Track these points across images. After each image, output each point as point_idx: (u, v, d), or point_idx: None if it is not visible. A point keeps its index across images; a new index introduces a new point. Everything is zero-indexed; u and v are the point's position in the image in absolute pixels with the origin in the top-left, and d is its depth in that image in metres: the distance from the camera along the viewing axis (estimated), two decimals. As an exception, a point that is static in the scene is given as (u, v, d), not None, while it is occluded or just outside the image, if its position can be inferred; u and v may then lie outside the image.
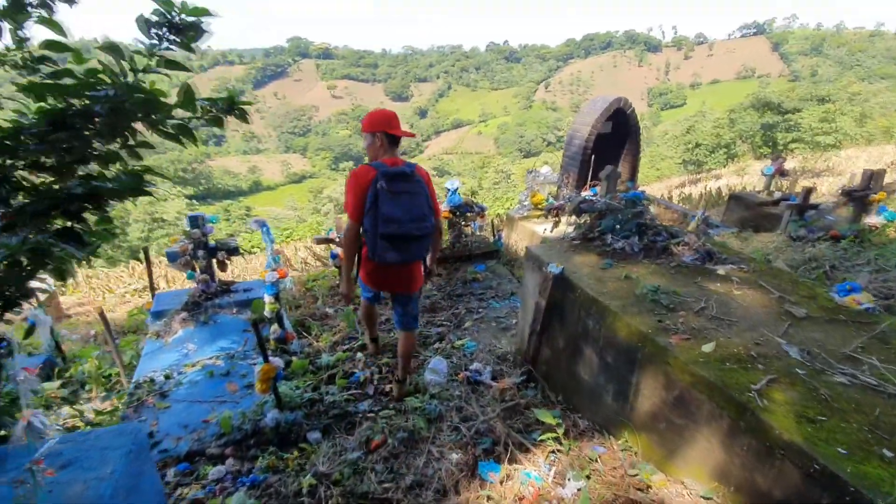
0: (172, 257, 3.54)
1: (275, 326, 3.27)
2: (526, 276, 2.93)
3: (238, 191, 74.99)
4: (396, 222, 2.30)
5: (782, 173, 6.83)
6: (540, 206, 5.91)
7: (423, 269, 2.73)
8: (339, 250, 4.41)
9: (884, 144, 23.40)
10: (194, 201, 57.22)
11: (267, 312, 3.19)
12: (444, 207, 4.50)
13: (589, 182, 6.35)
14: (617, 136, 6.72)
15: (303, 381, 3.00)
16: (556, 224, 4.82)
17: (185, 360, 3.22)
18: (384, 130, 2.45)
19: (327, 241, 4.50)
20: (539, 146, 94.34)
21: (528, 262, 2.89)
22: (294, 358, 3.28)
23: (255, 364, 3.20)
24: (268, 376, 2.45)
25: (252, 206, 60.16)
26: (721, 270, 2.59)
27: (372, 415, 2.69)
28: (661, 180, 37.17)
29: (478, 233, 5.01)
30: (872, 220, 4.27)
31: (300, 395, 2.76)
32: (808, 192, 4.39)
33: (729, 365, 1.81)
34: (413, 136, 2.84)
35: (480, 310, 3.87)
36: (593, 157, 6.40)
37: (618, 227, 2.82)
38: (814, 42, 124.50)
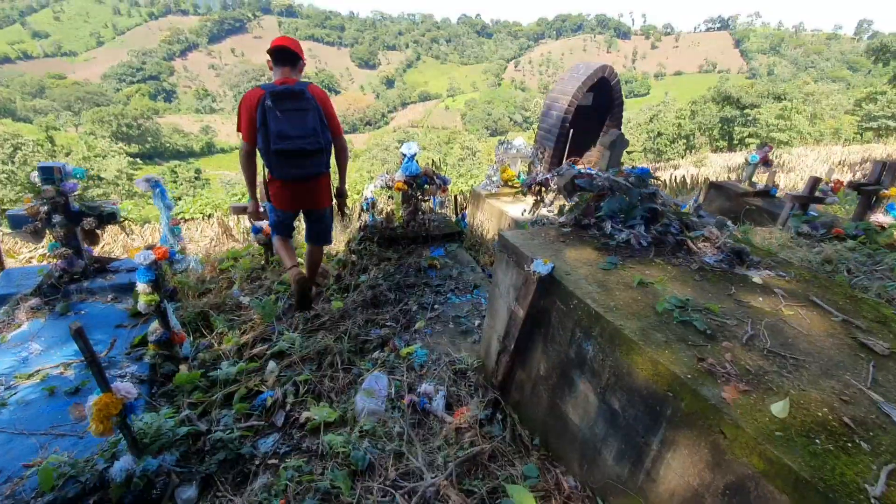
0: (16, 222, 2.57)
1: (154, 325, 2.40)
2: (497, 273, 2.19)
3: (189, 151, 70.37)
4: (287, 139, 2.37)
5: (766, 163, 6.39)
6: (511, 183, 5.19)
7: (329, 187, 2.80)
8: (263, 224, 3.52)
9: (832, 145, 24.31)
10: (138, 160, 53.11)
11: (141, 306, 2.30)
12: (397, 177, 3.69)
13: (565, 158, 5.67)
14: (598, 109, 6.01)
15: (186, 403, 2.17)
16: (537, 204, 4.12)
17: (21, 368, 2.30)
18: (270, 50, 2.51)
19: (245, 210, 3.60)
20: (506, 125, 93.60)
21: (501, 254, 2.14)
22: (182, 367, 2.43)
23: (121, 376, 2.33)
24: (105, 415, 1.61)
25: (203, 169, 56.48)
26: (757, 278, 1.93)
27: (275, 461, 1.91)
28: (622, 166, 37.58)
29: (438, 210, 4.23)
30: (880, 218, 3.80)
31: (173, 428, 1.93)
32: (815, 182, 3.88)
33: (819, 442, 1.14)
34: (292, 50, 2.51)
35: (436, 306, 3.12)
36: (571, 131, 5.71)
37: (621, 212, 2.11)
38: (773, 41, 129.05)
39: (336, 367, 2.45)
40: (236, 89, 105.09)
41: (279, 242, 2.93)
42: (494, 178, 5.16)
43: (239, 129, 2.48)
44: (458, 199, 4.83)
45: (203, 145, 73.00)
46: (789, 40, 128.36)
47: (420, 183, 3.73)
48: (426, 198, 3.95)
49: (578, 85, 5.57)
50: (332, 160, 2.76)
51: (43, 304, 2.66)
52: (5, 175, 28.42)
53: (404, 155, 3.63)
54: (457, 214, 4.38)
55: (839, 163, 16.86)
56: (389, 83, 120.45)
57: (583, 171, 2.26)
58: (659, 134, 33.67)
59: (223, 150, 74.95)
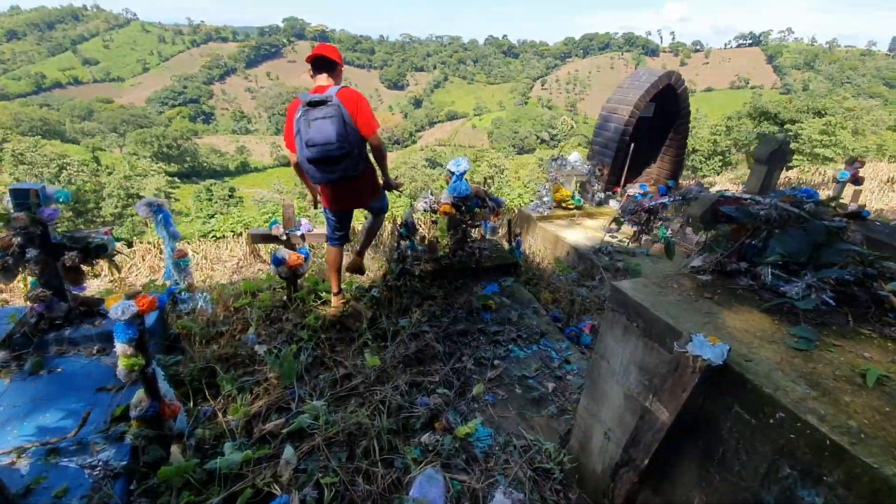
0: (-17, 257, 2.06)
1: (139, 395, 1.83)
2: (606, 340, 1.53)
3: (224, 171, 72.33)
4: (314, 146, 2.45)
5: (856, 181, 5.53)
6: (566, 204, 4.54)
7: (373, 184, 2.86)
8: (284, 253, 2.96)
9: (876, 161, 22.82)
10: (177, 179, 54.73)
11: (121, 372, 1.74)
12: (443, 198, 3.09)
13: (625, 175, 4.97)
14: (660, 120, 5.32)
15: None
16: (640, 235, 3.63)
17: (-35, 452, 1.75)
18: (309, 59, 2.61)
19: (269, 238, 3.06)
20: (532, 143, 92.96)
21: (614, 315, 1.48)
22: (174, 449, 1.84)
23: (91, 466, 1.75)
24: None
25: (237, 187, 57.84)
26: None
27: None
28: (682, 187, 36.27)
29: (489, 237, 3.61)
30: None
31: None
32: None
33: None
34: (326, 57, 2.59)
35: (496, 361, 2.47)
36: (633, 145, 5.03)
37: (799, 255, 1.42)
38: (807, 57, 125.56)
39: (373, 457, 1.82)
40: (271, 111, 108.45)
41: (330, 257, 3.02)
42: (546, 199, 4.53)
43: (284, 140, 2.69)
44: (512, 224, 4.19)
45: (238, 164, 74.96)
46: (823, 56, 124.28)
47: (470, 206, 3.12)
48: (477, 223, 3.34)
49: (641, 94, 4.89)
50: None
51: (11, 359, 2.14)
52: (50, 194, 29.65)
53: (451, 173, 3.04)
54: (510, 241, 3.76)
55: (888, 180, 15.55)
56: (417, 103, 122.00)
57: (730, 194, 1.59)
58: (694, 150, 32.49)
59: (256, 169, 76.78)
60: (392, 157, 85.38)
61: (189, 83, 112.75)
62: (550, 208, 4.57)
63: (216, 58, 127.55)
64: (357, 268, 3.21)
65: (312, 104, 2.44)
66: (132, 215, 31.78)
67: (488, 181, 44.94)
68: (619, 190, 5.13)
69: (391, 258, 3.44)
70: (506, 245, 3.75)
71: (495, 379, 2.34)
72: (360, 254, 3.21)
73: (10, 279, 2.14)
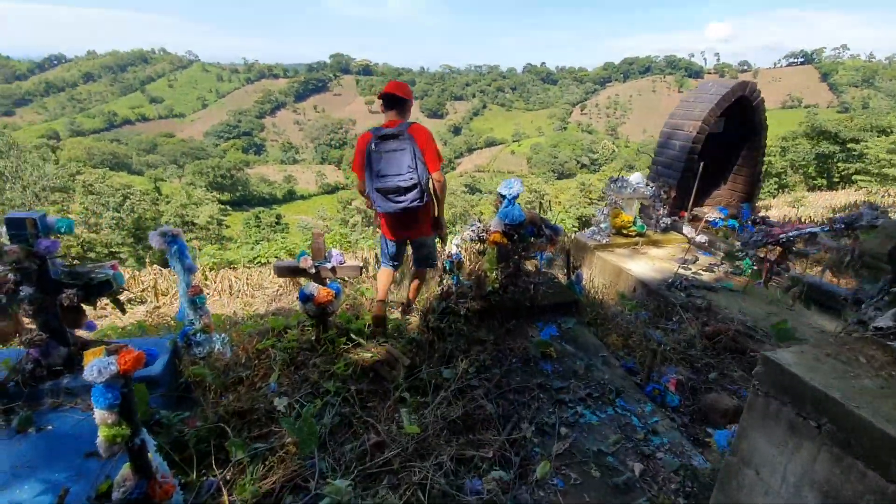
0: (-27, 296, 1.81)
1: (124, 472, 1.48)
2: (754, 440, 1.04)
3: (272, 199, 75.36)
4: (384, 177, 2.63)
5: None
6: (626, 231, 4.03)
7: (431, 219, 2.99)
8: (313, 288, 2.61)
9: None
10: (228, 207, 57.40)
11: (100, 444, 1.40)
12: (493, 226, 2.68)
13: (693, 198, 4.40)
14: (732, 136, 4.73)
15: None
16: (768, 273, 3.13)
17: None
18: (380, 96, 2.80)
19: (296, 272, 2.73)
20: (573, 168, 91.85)
21: (767, 402, 0.99)
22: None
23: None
24: None
25: (284, 214, 59.91)
26: None
27: None
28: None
29: (544, 269, 3.14)
30: None
31: None
32: None
33: None
34: (397, 95, 2.76)
35: (563, 429, 1.98)
36: (701, 165, 4.47)
37: None
38: (865, 73, 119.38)
39: (410, 571, 1.37)
40: (317, 141, 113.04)
41: (382, 276, 3.18)
42: (604, 225, 4.04)
43: (353, 168, 2.88)
44: (571, 253, 3.66)
45: (285, 192, 77.94)
46: (883, 72, 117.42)
47: (524, 234, 2.69)
48: (531, 254, 2.89)
49: (710, 107, 4.32)
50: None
51: (0, 412, 1.86)
52: (115, 221, 31.44)
53: (502, 196, 2.63)
54: (569, 275, 3.28)
55: (764, 175, 14.12)
56: (456, 130, 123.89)
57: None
58: (750, 172, 30.71)
59: (302, 197, 79.54)
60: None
61: (243, 117, 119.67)
62: (609, 235, 4.04)
63: (268, 93, 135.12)
64: (410, 305, 3.34)
65: (384, 137, 2.63)
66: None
67: (529, 206, 44.33)
68: (685, 215, 4.53)
69: (433, 295, 3.03)
70: (563, 279, 3.27)
71: (564, 454, 1.85)
72: (405, 310, 3.33)
73: (3, 319, 1.88)
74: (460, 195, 51.29)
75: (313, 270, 2.72)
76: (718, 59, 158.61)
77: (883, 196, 14.74)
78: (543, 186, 48.48)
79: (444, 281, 2.98)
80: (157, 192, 48.82)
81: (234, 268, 8.93)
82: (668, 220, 4.29)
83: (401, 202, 2.65)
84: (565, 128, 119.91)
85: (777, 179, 30.66)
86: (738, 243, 3.36)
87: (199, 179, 62.72)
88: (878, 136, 26.73)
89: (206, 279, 6.71)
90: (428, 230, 2.99)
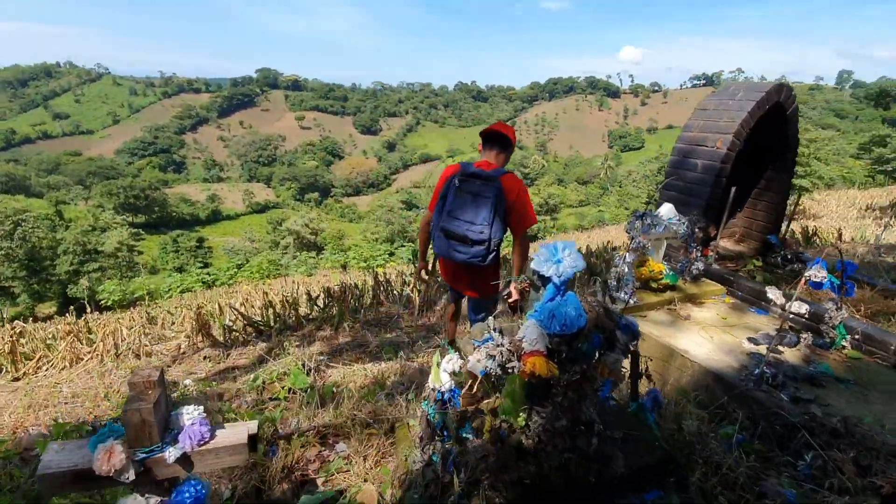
0: None
1: None
2: None
3: (194, 220, 70.72)
4: (455, 219, 2.36)
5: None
6: (657, 285, 3.10)
7: (493, 280, 2.59)
8: None
9: (846, 188, 23.66)
10: (142, 231, 52.98)
11: None
12: (529, 340, 1.40)
13: (720, 233, 3.64)
14: (752, 153, 3.79)
15: None
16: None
17: None
18: (482, 133, 2.57)
19: (79, 479, 1.54)
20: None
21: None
22: None
23: None
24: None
25: (208, 236, 56.31)
26: None
27: None
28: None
29: (609, 398, 1.82)
30: None
31: None
32: None
33: None
34: (501, 133, 2.51)
35: None
36: (734, 190, 3.51)
37: None
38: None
39: None
40: (244, 158, 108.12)
41: (448, 309, 3.00)
42: (627, 277, 2.96)
43: (430, 206, 2.65)
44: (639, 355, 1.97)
45: (209, 213, 73.47)
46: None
47: (584, 350, 1.48)
48: (598, 384, 1.60)
49: (744, 117, 3.37)
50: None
51: None
52: (3, 252, 27.77)
53: (541, 277, 1.48)
54: (635, 392, 1.95)
55: (867, 207, 15.96)
56: (391, 147, 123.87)
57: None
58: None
59: (229, 217, 75.37)
60: (368, 201, 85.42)
61: (160, 133, 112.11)
62: (633, 291, 2.99)
63: (188, 108, 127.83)
64: None
65: (472, 176, 2.37)
66: (89, 272, 30.07)
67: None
68: (709, 253, 3.57)
69: (401, 463, 1.96)
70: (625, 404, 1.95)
71: None
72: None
73: None
74: (398, 212, 51.07)
75: (127, 474, 1.24)
76: (633, 81, 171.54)
77: (790, 204, 16.34)
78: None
79: (429, 449, 1.78)
80: (59, 217, 44.08)
81: (139, 303, 8.05)
82: (700, 266, 3.26)
83: (460, 254, 2.36)
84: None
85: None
86: (831, 305, 2.37)
87: (109, 201, 57.54)
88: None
89: (89, 333, 5.67)
90: (486, 290, 2.59)
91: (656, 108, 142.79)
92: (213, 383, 4.12)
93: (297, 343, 5.57)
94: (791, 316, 2.87)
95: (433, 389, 1.72)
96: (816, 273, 2.05)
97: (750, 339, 2.58)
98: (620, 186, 64.17)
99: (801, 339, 2.38)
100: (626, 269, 2.78)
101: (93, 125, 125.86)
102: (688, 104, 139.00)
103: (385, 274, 10.16)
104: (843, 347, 2.43)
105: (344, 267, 18.64)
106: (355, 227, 67.49)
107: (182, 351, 5.60)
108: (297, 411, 2.54)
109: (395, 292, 7.41)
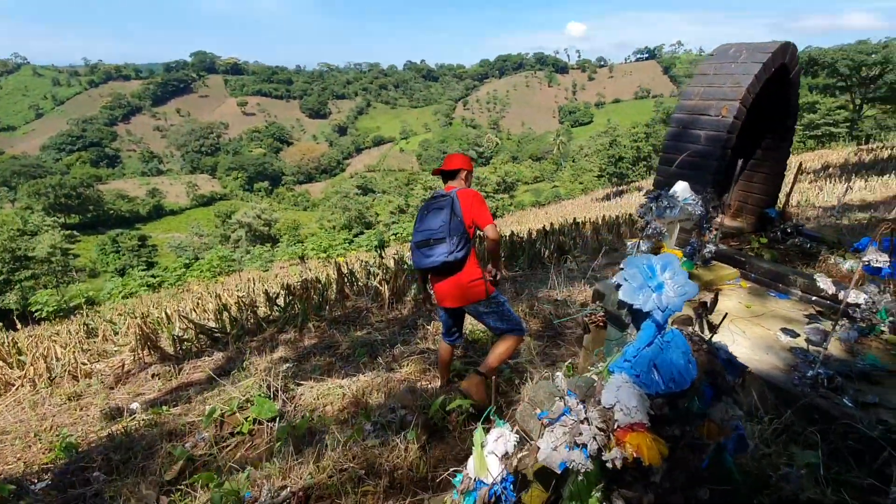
0: None
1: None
2: None
3: (135, 217, 66.27)
4: (420, 231, 2.74)
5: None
6: None
7: (478, 282, 2.77)
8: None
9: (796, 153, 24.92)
10: (76, 232, 48.91)
11: None
12: (625, 413, 0.93)
13: (727, 206, 3.35)
14: (751, 121, 3.39)
15: None
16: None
17: None
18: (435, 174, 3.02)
19: None
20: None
21: None
22: None
23: None
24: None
25: (151, 234, 52.88)
26: None
27: None
28: (587, 193, 37.56)
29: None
30: None
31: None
32: None
33: None
34: (447, 171, 2.95)
35: None
36: (740, 162, 3.38)
37: None
38: (697, 66, 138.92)
39: None
40: (184, 149, 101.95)
41: (441, 353, 3.06)
42: None
43: None
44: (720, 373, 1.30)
45: (150, 209, 68.99)
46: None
47: (695, 411, 1.10)
48: (708, 451, 1.17)
49: (750, 81, 3.00)
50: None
51: None
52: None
53: (634, 312, 1.19)
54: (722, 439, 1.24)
55: (800, 170, 16.74)
56: (342, 131, 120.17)
57: None
58: (620, 158, 34.16)
59: (172, 212, 71.10)
60: (321, 187, 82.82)
61: (88, 126, 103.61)
62: None
63: (118, 97, 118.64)
64: (471, 389, 2.61)
65: (433, 198, 2.79)
66: (20, 281, 27.47)
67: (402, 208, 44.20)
68: (714, 232, 3.20)
69: None
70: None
71: None
72: (479, 373, 2.70)
73: None
74: (354, 197, 49.59)
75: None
76: (580, 56, 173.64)
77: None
78: (439, 183, 48.62)
79: None
80: (-18, 222, 40.11)
81: (77, 312, 7.17)
82: (712, 248, 2.97)
83: (430, 256, 2.65)
84: (451, 123, 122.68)
85: (645, 162, 34.34)
86: (873, 288, 2.07)
87: (37, 202, 52.94)
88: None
89: (19, 354, 4.88)
90: (478, 290, 2.74)
91: (603, 82, 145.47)
92: (165, 408, 3.56)
93: (258, 348, 5.03)
94: (813, 299, 2.62)
95: (478, 483, 1.22)
96: (877, 257, 1.74)
97: (784, 331, 2.25)
98: (574, 161, 65.14)
99: (853, 330, 2.05)
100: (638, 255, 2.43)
101: (14, 121, 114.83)
102: (632, 78, 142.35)
103: (348, 264, 9.61)
104: (882, 333, 2.18)
105: (302, 258, 17.76)
106: (310, 215, 65.24)
107: (127, 369, 4.98)
108: (267, 460, 2.06)
109: (360, 284, 6.92)
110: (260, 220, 42.51)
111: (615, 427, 0.93)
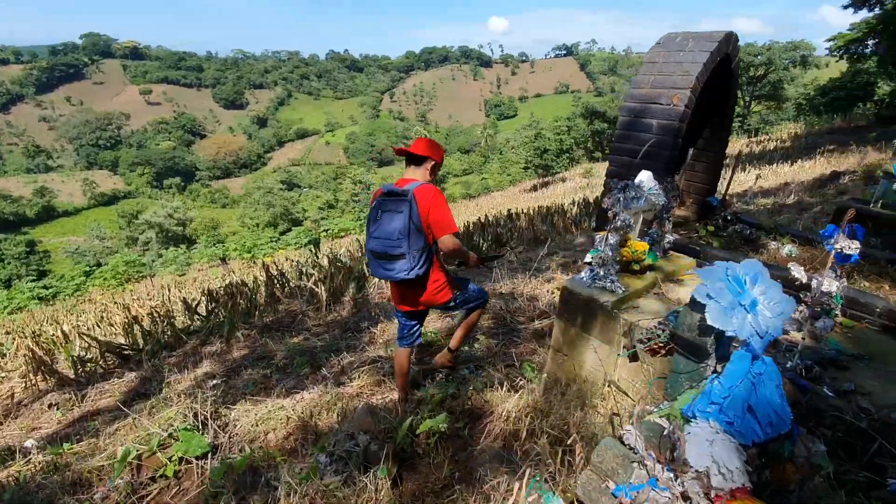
0: None
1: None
2: None
3: (21, 219, 58.49)
4: (375, 239, 2.44)
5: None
6: (638, 266, 2.56)
7: (440, 284, 2.64)
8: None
9: None
10: (-56, 239, 42.13)
11: None
12: (721, 474, 0.75)
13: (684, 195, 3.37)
14: (701, 107, 3.43)
15: None
16: None
17: None
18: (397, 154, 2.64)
19: None
20: (391, 155, 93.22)
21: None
22: None
23: None
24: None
25: (41, 239, 46.87)
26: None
27: None
28: (515, 184, 38.64)
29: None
30: None
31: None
32: None
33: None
34: (413, 154, 2.55)
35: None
36: (690, 152, 3.45)
37: None
38: (610, 63, 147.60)
39: None
40: (78, 142, 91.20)
41: (397, 360, 2.84)
42: (608, 259, 2.37)
43: None
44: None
45: (39, 210, 61.19)
46: (623, 62, 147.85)
47: (786, 455, 0.98)
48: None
49: (699, 69, 3.01)
50: None
51: None
52: None
53: (727, 340, 1.05)
54: None
55: (740, 158, 18.32)
56: (262, 122, 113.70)
57: None
58: (545, 150, 35.50)
59: (67, 213, 63.59)
60: (241, 183, 77.87)
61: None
62: (616, 276, 2.39)
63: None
64: (442, 363, 3.03)
65: (388, 195, 2.45)
66: None
67: (355, 198, 43.15)
68: (658, 221, 2.95)
69: None
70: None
71: None
72: (451, 349, 3.00)
73: None
74: (278, 193, 47.13)
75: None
76: (503, 50, 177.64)
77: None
78: (368, 176, 47.42)
79: None
80: None
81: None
82: (671, 238, 2.87)
83: (389, 271, 2.43)
84: (378, 115, 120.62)
85: (568, 154, 35.90)
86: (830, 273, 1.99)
87: None
88: (632, 115, 33.11)
89: None
90: (443, 295, 2.65)
91: (525, 77, 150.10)
92: (67, 446, 2.98)
93: (178, 364, 4.48)
94: (820, 298, 2.67)
95: None
96: (849, 245, 1.74)
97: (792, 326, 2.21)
98: (501, 153, 66.72)
99: (828, 319, 2.07)
100: (611, 253, 2.32)
101: None
102: (552, 73, 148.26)
103: (277, 265, 8.96)
104: (836, 317, 2.24)
105: (223, 260, 16.48)
106: (230, 212, 61.20)
107: (17, 399, 4.25)
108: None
109: (292, 286, 6.43)
110: (172, 219, 39.10)
111: (712, 495, 0.74)
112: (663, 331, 1.84)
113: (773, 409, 0.73)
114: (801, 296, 2.29)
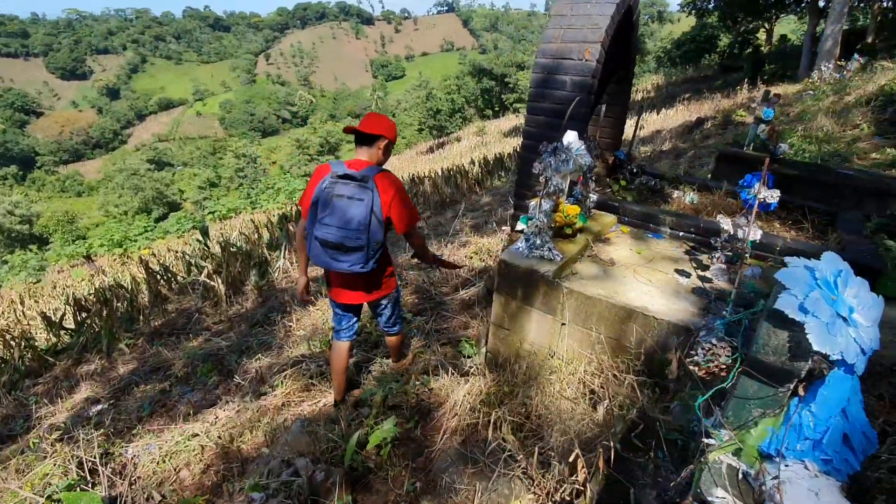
0: None
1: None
2: None
3: None
4: (327, 226, 2.19)
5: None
6: (570, 230, 2.53)
7: (385, 278, 2.51)
8: None
9: None
10: None
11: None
12: None
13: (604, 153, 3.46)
14: (607, 61, 3.27)
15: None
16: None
17: None
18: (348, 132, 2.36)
19: None
20: (274, 124, 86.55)
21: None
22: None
23: None
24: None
25: None
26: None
27: None
28: (411, 147, 38.21)
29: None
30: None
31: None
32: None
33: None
34: (365, 133, 2.27)
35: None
36: (603, 108, 3.54)
37: None
38: (491, 20, 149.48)
39: None
40: None
41: (334, 355, 2.56)
42: (543, 226, 2.34)
43: (301, 201, 2.40)
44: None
45: None
46: (503, 18, 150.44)
47: None
48: None
49: (608, 23, 2.93)
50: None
51: None
52: None
53: (848, 310, 0.68)
54: None
55: (642, 110, 19.62)
56: (113, 94, 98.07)
57: None
58: (438, 111, 35.37)
59: None
60: (98, 166, 67.40)
61: None
62: (552, 243, 2.36)
63: None
64: (402, 364, 2.89)
65: (343, 177, 2.18)
66: None
67: (240, 174, 39.58)
68: (582, 181, 2.96)
69: None
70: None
71: None
72: (395, 360, 2.90)
73: None
74: (146, 174, 41.52)
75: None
76: (383, 6, 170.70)
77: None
78: (252, 149, 43.25)
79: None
80: None
81: None
82: (594, 197, 2.93)
83: (340, 262, 2.21)
84: (254, 81, 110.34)
85: (460, 114, 36.09)
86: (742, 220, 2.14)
87: None
88: (519, 71, 33.88)
89: None
90: (383, 289, 2.50)
91: (410, 35, 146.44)
92: None
93: (48, 392, 3.77)
94: (681, 235, 2.79)
95: None
96: (771, 194, 1.81)
97: (679, 272, 2.32)
98: (394, 116, 65.24)
99: (756, 267, 2.16)
100: (545, 220, 2.23)
101: None
102: (437, 30, 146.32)
103: (158, 258, 7.87)
104: (747, 260, 2.39)
105: (88, 258, 14.20)
106: (89, 201, 52.92)
107: None
108: None
109: (181, 281, 5.71)
110: (13, 216, 32.82)
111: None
112: (723, 348, 1.48)
113: (866, 437, 0.63)
114: (712, 241, 2.42)
